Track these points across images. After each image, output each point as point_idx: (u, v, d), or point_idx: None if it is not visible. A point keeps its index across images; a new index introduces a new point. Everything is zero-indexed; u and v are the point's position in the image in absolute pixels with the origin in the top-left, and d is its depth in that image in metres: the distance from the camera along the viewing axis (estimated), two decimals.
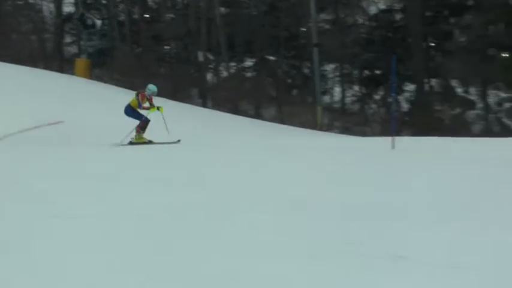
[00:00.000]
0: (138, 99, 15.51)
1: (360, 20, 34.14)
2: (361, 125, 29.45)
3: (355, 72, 32.94)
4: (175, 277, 4.52)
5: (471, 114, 29.34)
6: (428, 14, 30.86)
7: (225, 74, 33.91)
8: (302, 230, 6.10)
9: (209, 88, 33.28)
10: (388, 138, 14.46)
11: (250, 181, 9.26)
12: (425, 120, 27.17)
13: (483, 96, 29.52)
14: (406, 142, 14.89)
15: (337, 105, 32.56)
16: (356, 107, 32.17)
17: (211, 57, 34.75)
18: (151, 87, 15.85)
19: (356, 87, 32.47)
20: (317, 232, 5.97)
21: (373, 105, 31.28)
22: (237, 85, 32.05)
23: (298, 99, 32.05)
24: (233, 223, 6.37)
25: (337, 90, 33.13)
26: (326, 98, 32.22)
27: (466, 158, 12.49)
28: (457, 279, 4.60)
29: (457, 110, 29.57)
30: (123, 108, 15.49)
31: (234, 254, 5.17)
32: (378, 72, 31.02)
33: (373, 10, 33.59)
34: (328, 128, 29.02)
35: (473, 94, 30.13)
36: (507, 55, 29.00)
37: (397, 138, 14.32)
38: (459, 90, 30.73)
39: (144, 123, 15.48)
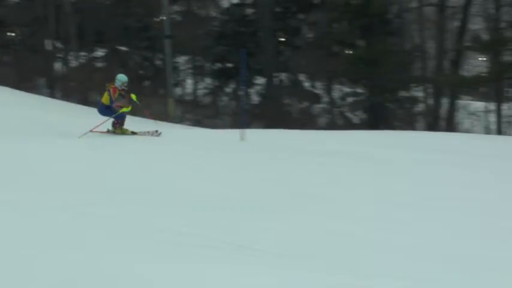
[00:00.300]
0: (110, 94, 14.39)
1: (213, 13, 34.48)
2: (212, 117, 29.78)
3: (207, 64, 33.23)
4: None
5: (317, 107, 30.63)
6: (278, 9, 31.75)
7: (74, 63, 32.84)
8: (137, 221, 6.06)
9: (57, 78, 32.10)
10: (238, 131, 14.77)
11: (98, 175, 9.09)
12: (275, 113, 28.01)
13: (328, 90, 30.93)
14: (255, 134, 15.25)
15: (189, 98, 32.70)
16: (208, 99, 32.49)
17: (60, 46, 33.52)
18: (121, 77, 14.70)
19: (208, 80, 32.79)
20: (154, 223, 5.95)
21: (225, 98, 31.75)
22: (87, 75, 31.15)
23: (150, 91, 31.77)
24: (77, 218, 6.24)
25: (189, 82, 33.28)
26: (178, 90, 32.24)
27: (312, 150, 13.02)
28: (295, 268, 4.79)
29: (305, 104, 30.74)
30: None
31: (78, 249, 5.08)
32: (229, 65, 31.46)
33: (225, 4, 34.05)
34: (180, 120, 29.03)
35: (319, 88, 31.47)
36: (350, 52, 30.55)
37: (247, 131, 14.67)
38: (307, 85, 31.95)
39: (121, 120, 14.58)
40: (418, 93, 29.91)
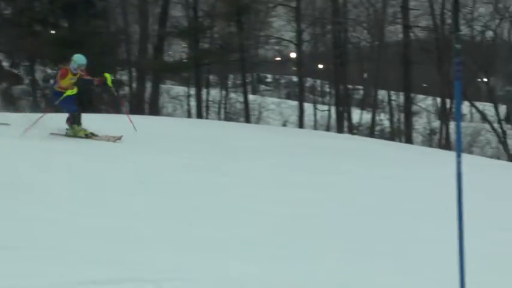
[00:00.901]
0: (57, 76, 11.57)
1: None
2: None
3: None
4: None
5: (18, 89, 29.23)
6: None
7: None
8: None
9: None
10: None
11: None
12: None
13: (30, 71, 29.63)
14: None
15: None
16: None
17: None
18: (78, 58, 11.63)
19: None
20: None
21: None
22: None
23: None
24: None
25: None
26: None
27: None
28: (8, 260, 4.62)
29: (4, 85, 29.12)
30: None
31: None
32: None
33: None
34: None
35: (20, 69, 30.06)
36: (53, 32, 29.66)
37: None
38: (5, 65, 30.32)
39: (71, 116, 11.84)
40: (123, 76, 30.26)
